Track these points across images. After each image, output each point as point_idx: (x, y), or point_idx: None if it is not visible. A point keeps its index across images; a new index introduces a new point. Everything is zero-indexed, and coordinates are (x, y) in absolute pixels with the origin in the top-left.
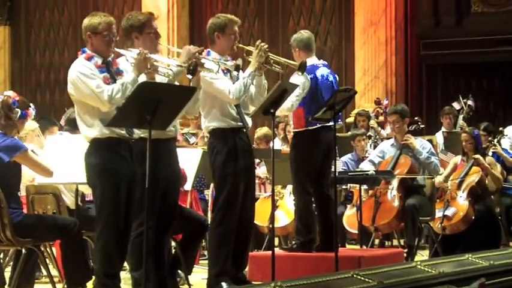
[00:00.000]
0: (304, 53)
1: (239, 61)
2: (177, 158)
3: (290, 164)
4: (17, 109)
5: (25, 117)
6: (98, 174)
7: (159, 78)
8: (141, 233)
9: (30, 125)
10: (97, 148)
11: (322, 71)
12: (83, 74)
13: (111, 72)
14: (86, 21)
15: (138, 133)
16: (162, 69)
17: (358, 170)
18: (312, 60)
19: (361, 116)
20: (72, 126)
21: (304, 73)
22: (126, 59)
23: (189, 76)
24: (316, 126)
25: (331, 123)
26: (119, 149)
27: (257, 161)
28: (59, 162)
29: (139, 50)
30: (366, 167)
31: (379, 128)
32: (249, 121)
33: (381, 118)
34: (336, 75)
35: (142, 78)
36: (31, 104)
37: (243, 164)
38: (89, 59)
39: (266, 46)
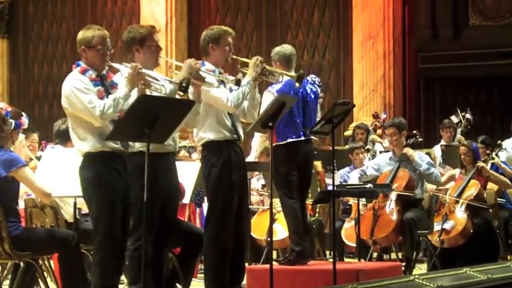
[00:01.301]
0: (283, 68)
1: (239, 76)
2: (176, 173)
3: None
4: (10, 120)
5: (19, 127)
6: (93, 188)
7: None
8: (140, 246)
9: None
10: (91, 162)
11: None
12: (76, 88)
13: (105, 85)
14: (80, 35)
15: (137, 147)
16: (155, 84)
17: (361, 183)
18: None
19: (359, 128)
20: (63, 139)
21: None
22: (121, 74)
23: (181, 93)
24: (287, 141)
25: (304, 138)
26: (113, 162)
27: (256, 173)
28: (54, 176)
29: (131, 64)
30: (355, 176)
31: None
32: (242, 133)
33: (379, 132)
34: (317, 88)
35: (135, 93)
36: (23, 113)
37: (237, 178)
38: (83, 72)
39: (262, 59)
